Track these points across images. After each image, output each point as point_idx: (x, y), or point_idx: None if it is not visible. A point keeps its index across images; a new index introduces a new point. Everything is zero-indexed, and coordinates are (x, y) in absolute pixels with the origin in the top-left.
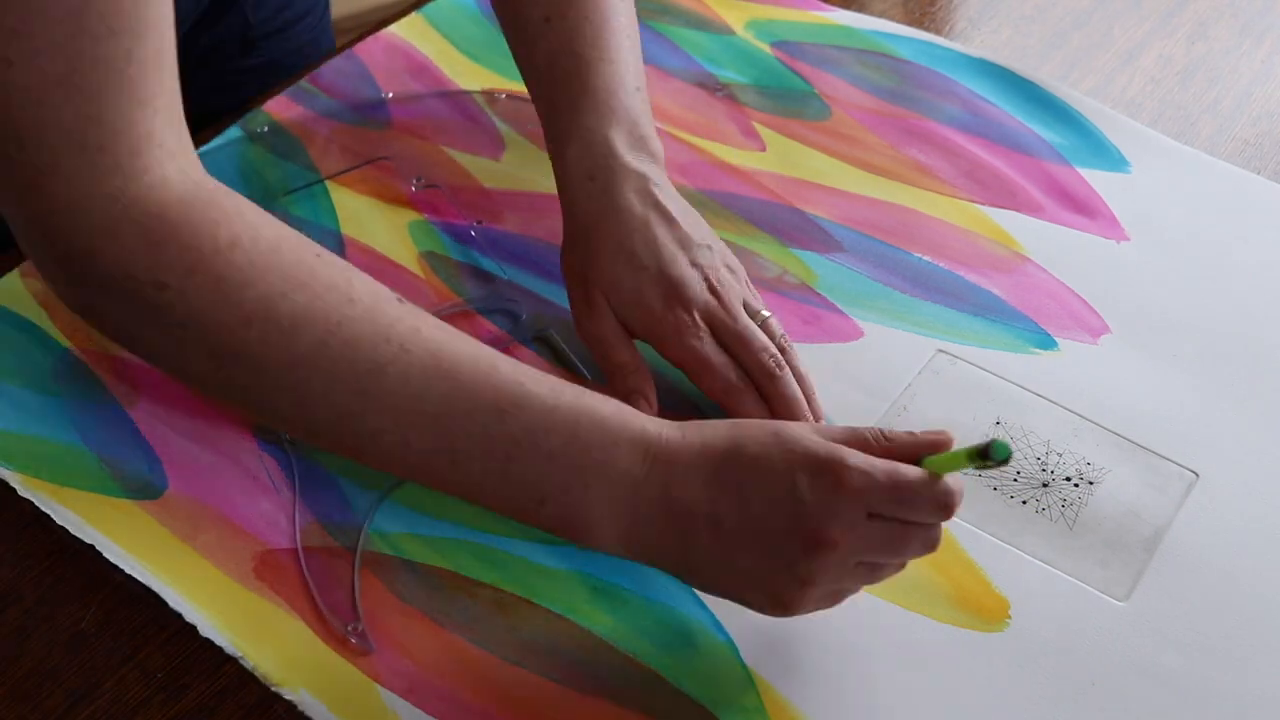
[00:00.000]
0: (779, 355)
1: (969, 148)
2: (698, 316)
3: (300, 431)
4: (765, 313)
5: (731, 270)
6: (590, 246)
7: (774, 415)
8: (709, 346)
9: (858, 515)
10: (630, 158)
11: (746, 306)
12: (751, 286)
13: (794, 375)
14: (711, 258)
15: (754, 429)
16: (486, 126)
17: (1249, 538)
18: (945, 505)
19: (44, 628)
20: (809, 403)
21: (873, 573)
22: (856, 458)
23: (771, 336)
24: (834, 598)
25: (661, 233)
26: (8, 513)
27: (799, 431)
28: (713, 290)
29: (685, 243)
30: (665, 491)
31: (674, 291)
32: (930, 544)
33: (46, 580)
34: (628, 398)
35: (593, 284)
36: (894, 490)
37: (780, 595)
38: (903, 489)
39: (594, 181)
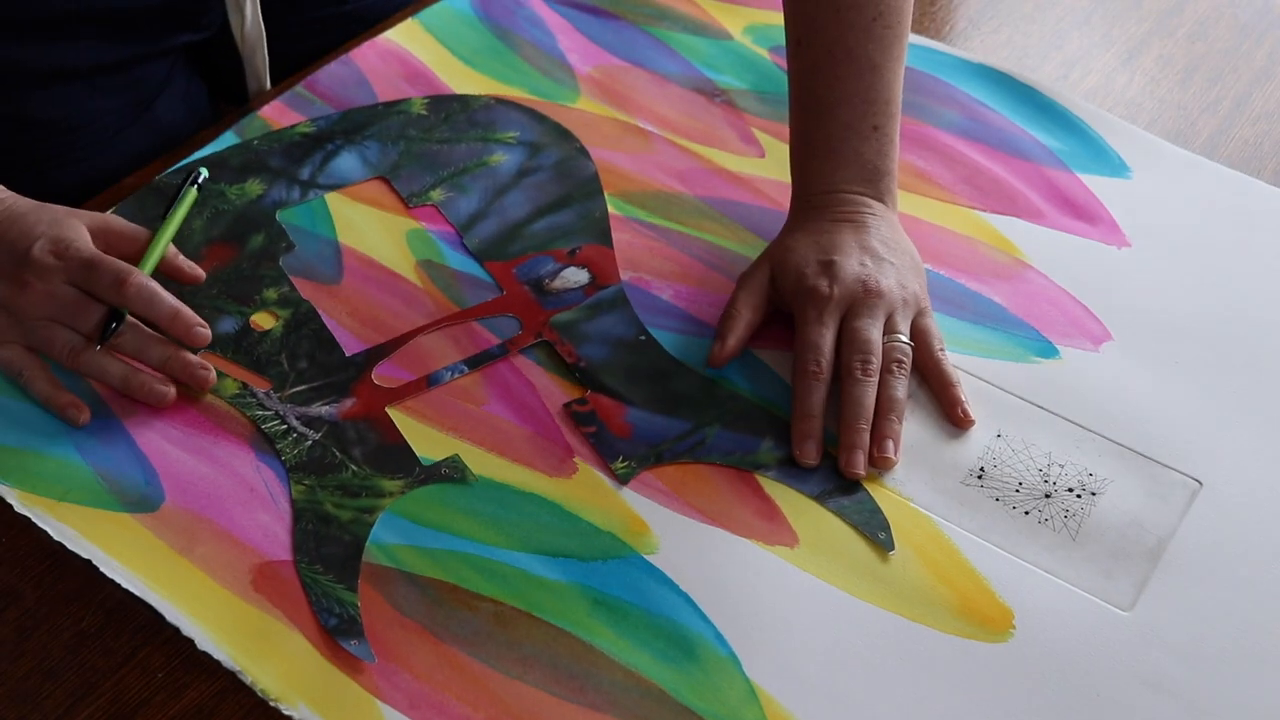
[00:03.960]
0: (872, 362)
1: (968, 153)
2: (836, 294)
3: None
4: (904, 339)
5: (906, 302)
6: (786, 236)
7: (840, 417)
8: (818, 327)
9: (54, 281)
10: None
11: (890, 322)
12: (933, 335)
13: (887, 397)
14: (888, 273)
15: None
16: None
17: (1253, 546)
18: (117, 281)
19: (44, 628)
20: (884, 427)
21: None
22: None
23: (891, 354)
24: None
25: (848, 236)
26: (8, 513)
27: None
28: (866, 288)
29: (869, 250)
30: None
31: (828, 267)
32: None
33: (46, 580)
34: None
35: (768, 255)
36: (85, 264)
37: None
38: (95, 263)
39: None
